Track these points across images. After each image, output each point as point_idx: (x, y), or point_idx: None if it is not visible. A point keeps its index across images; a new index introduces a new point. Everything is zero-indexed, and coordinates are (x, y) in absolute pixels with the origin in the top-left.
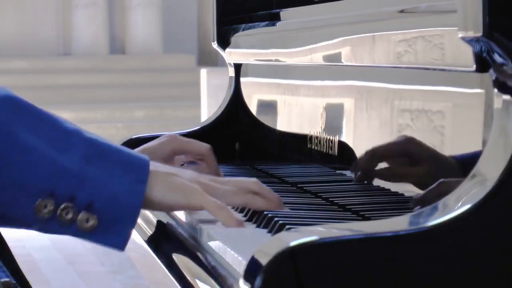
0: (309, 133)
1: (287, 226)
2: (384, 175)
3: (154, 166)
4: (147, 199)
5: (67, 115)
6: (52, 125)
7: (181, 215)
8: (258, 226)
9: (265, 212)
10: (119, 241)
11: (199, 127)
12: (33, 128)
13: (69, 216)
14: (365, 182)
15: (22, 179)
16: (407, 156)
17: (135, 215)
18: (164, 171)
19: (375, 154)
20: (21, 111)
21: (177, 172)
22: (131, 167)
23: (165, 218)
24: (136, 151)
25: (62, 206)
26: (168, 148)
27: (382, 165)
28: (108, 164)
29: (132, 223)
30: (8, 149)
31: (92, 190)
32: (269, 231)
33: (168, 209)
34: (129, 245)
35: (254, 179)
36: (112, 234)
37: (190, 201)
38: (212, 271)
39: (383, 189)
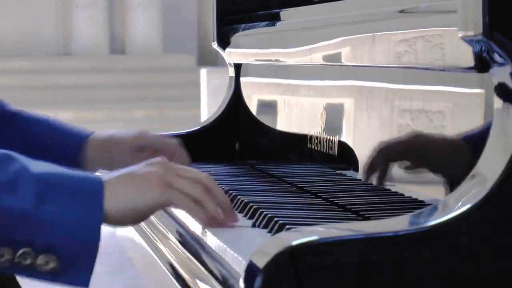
0: (309, 133)
1: (287, 226)
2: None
3: (107, 179)
4: (110, 218)
5: (67, 115)
6: None
7: (181, 214)
8: (258, 226)
9: (265, 212)
10: (82, 279)
11: (199, 127)
12: None
13: (28, 261)
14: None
15: None
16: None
17: (95, 250)
18: (116, 179)
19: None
20: None
21: (131, 172)
22: (84, 196)
23: (165, 218)
24: (101, 137)
25: (20, 252)
26: (133, 143)
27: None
28: (61, 198)
29: (93, 258)
30: None
31: (49, 231)
32: (269, 231)
33: (136, 216)
34: (129, 245)
35: (205, 174)
36: (74, 273)
37: (155, 201)
38: (212, 271)
39: (383, 189)
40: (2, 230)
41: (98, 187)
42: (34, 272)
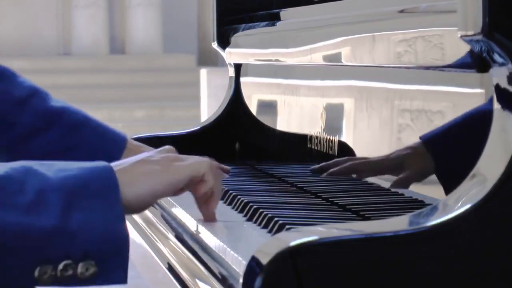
0: (309, 133)
1: (287, 226)
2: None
3: (117, 167)
4: (130, 206)
5: None
6: (19, 191)
7: (181, 214)
8: (258, 226)
9: (265, 212)
10: (121, 276)
11: (199, 127)
12: (3, 205)
13: (70, 272)
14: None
15: (12, 259)
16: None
17: (126, 245)
18: (130, 166)
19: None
20: None
21: (145, 158)
22: (103, 195)
23: (165, 218)
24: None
25: (61, 266)
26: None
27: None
28: (84, 203)
29: (126, 254)
30: None
31: (81, 240)
32: (269, 231)
33: (152, 199)
34: None
35: (206, 159)
36: (113, 272)
37: (172, 179)
38: (212, 271)
39: (383, 189)
40: (39, 251)
41: (112, 180)
42: (76, 281)
